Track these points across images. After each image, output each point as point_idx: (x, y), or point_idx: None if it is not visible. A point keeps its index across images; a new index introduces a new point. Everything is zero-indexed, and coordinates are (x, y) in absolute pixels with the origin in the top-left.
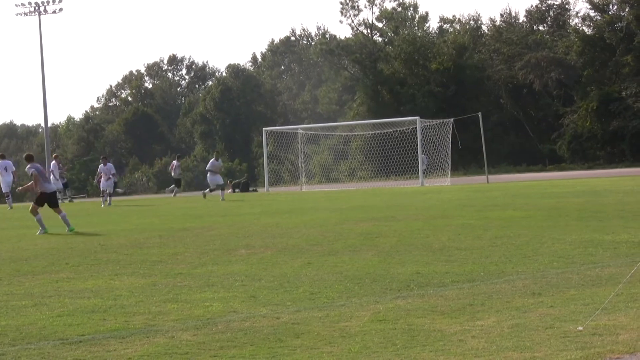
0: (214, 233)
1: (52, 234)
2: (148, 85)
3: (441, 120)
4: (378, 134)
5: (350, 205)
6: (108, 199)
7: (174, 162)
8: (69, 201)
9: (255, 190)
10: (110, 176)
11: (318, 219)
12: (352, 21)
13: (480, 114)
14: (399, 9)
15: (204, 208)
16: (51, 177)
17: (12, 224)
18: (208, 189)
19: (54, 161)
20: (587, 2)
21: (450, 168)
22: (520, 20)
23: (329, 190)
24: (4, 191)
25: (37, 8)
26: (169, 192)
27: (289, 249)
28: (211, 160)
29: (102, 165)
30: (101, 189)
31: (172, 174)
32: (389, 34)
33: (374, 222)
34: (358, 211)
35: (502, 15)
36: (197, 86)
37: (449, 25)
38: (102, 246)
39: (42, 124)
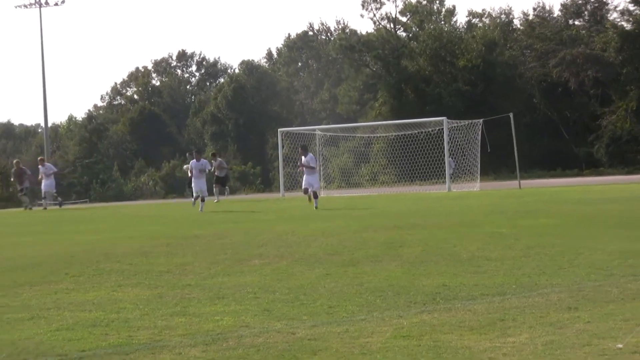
0: (226, 241)
1: (53, 241)
2: (155, 82)
3: (469, 121)
4: (402, 135)
5: (372, 212)
6: (44, 202)
7: (218, 159)
8: (59, 207)
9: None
10: (48, 176)
11: (337, 226)
12: (374, 15)
13: (511, 115)
14: (424, 2)
15: (214, 214)
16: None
17: (12, 229)
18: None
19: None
20: None
21: (479, 172)
22: (555, 15)
23: (349, 195)
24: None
25: (37, 0)
26: (218, 194)
27: (305, 258)
28: (191, 162)
29: (40, 166)
30: (42, 190)
31: (217, 173)
32: (413, 28)
33: (397, 230)
34: (380, 218)
35: (535, 9)
36: (208, 84)
37: (478, 19)
38: (105, 255)
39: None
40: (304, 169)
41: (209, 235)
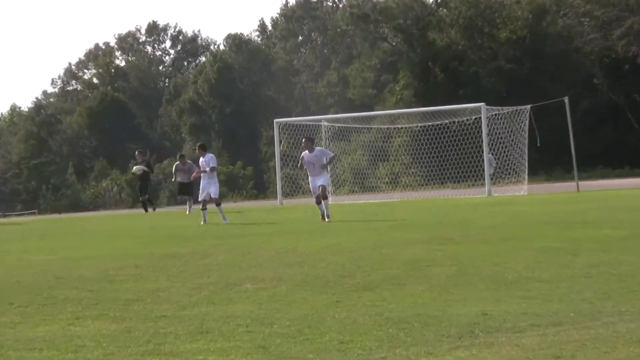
0: (209, 261)
1: None
2: (120, 62)
3: (514, 108)
4: (429, 126)
5: (393, 223)
6: None
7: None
8: None
9: (153, 209)
10: None
11: (349, 241)
12: None
13: (566, 99)
14: None
15: (193, 227)
16: None
17: None
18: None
19: None
20: None
21: (527, 172)
22: None
23: (363, 202)
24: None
25: None
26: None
27: (309, 282)
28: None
29: None
30: None
31: (184, 179)
32: None
33: (424, 245)
34: (403, 230)
35: None
36: (185, 64)
37: None
38: (59, 279)
39: None
40: (311, 169)
41: (188, 254)
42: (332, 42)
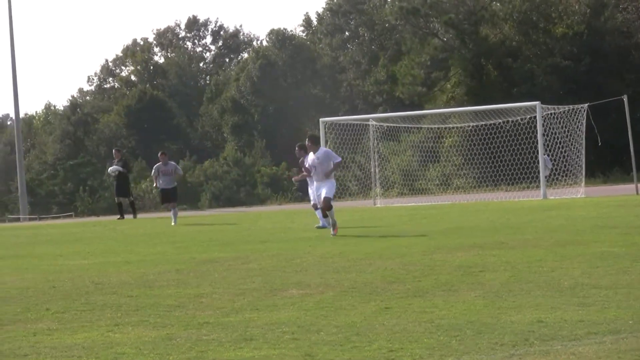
0: (253, 266)
1: (29, 267)
2: (159, 59)
3: (571, 107)
4: (481, 126)
5: (444, 227)
6: None
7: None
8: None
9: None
10: None
11: (398, 246)
12: None
13: (625, 98)
14: None
15: (236, 231)
16: None
17: None
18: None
19: None
20: None
21: (584, 174)
22: None
23: (413, 205)
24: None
25: None
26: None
27: (357, 288)
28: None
29: None
30: None
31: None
32: None
33: (476, 250)
34: (454, 235)
35: None
36: (227, 60)
37: None
38: (97, 285)
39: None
40: (314, 173)
41: (231, 259)
42: (380, 38)
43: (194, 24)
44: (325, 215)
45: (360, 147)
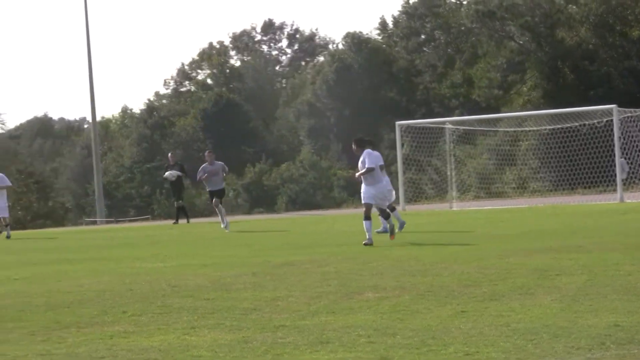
0: (329, 269)
1: (105, 269)
2: (235, 62)
3: None
4: (558, 129)
5: (520, 231)
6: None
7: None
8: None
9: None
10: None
11: (474, 249)
12: None
13: None
14: None
15: (312, 235)
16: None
17: (53, 255)
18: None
19: None
20: None
21: None
22: None
23: (489, 208)
24: None
25: None
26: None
27: (434, 291)
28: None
29: None
30: None
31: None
32: None
33: (553, 253)
34: (531, 238)
35: None
36: (303, 64)
37: None
38: (174, 287)
39: (89, 118)
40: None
41: (307, 262)
42: (456, 41)
43: (270, 27)
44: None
45: (437, 151)
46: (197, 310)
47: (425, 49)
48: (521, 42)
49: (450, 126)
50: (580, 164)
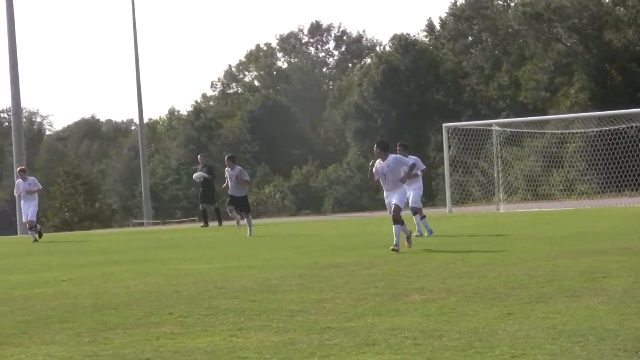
0: (375, 271)
1: (151, 271)
2: (282, 64)
3: None
4: (605, 131)
5: (567, 232)
6: (35, 233)
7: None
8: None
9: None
10: (31, 195)
11: (521, 251)
12: None
13: None
14: None
15: (359, 236)
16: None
17: (99, 257)
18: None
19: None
20: None
21: None
22: None
23: (536, 210)
24: None
25: None
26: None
27: (480, 293)
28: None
29: (19, 180)
30: (24, 218)
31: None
32: None
33: (600, 256)
34: (578, 240)
35: None
36: (350, 65)
37: None
38: (220, 289)
39: (136, 120)
40: (384, 182)
41: (353, 264)
42: (503, 43)
43: (317, 29)
44: (394, 222)
45: (484, 153)
46: (243, 312)
47: (472, 50)
48: (568, 44)
49: (497, 128)
50: (627, 166)
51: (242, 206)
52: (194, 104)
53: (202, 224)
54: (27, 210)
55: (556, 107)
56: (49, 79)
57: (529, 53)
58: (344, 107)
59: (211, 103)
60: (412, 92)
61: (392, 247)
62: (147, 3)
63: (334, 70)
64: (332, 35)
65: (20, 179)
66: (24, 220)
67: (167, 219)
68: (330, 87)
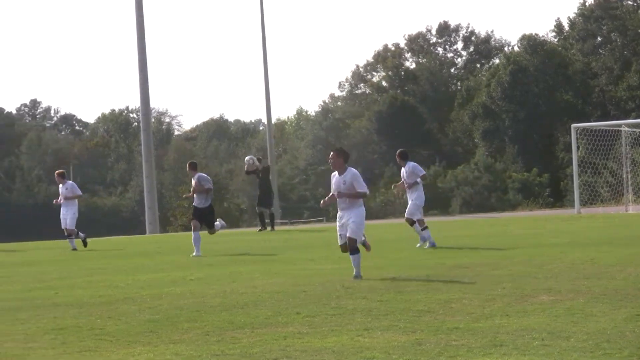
0: (503, 272)
1: (278, 271)
2: (410, 64)
3: None
4: None
5: None
6: (72, 241)
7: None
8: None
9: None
10: (71, 201)
11: None
12: None
13: None
14: None
15: (486, 237)
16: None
17: (225, 257)
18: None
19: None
20: None
21: None
22: None
23: None
24: None
25: None
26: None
27: (608, 295)
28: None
29: (60, 185)
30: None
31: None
32: None
33: None
34: None
35: None
36: (478, 66)
37: None
38: (347, 289)
39: (264, 120)
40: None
41: (479, 265)
42: (633, 43)
43: (445, 30)
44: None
45: (612, 153)
46: (370, 312)
47: (601, 51)
48: None
49: (626, 129)
50: None
51: (206, 219)
52: (322, 104)
53: (260, 228)
54: (65, 217)
55: None
56: (178, 79)
57: None
58: (471, 107)
59: (339, 103)
60: (540, 92)
61: (354, 276)
62: (276, 4)
63: (462, 71)
64: (460, 35)
65: (59, 184)
66: (62, 227)
67: (294, 219)
68: (458, 87)
